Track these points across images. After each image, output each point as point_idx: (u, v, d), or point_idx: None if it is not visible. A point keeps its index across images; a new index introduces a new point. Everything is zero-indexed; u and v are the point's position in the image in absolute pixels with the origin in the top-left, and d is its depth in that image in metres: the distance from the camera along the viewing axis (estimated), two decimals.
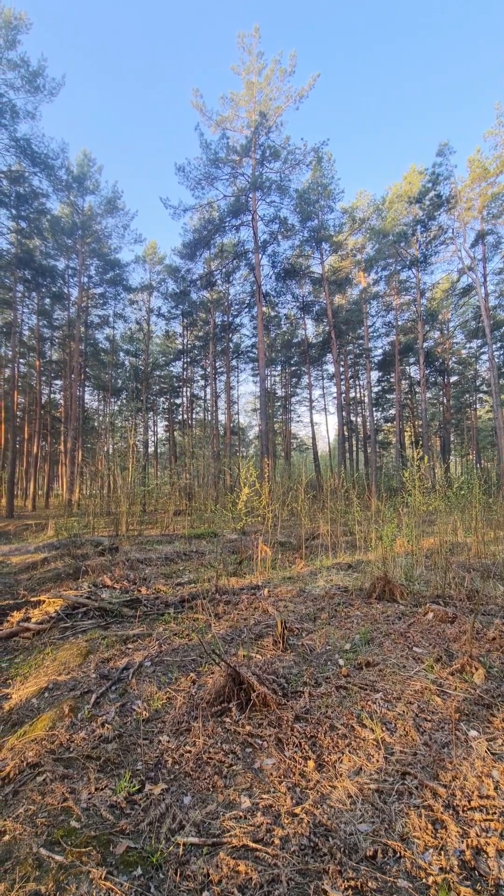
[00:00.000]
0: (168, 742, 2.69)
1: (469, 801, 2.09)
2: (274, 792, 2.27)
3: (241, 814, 2.12)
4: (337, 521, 11.82)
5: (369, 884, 1.70)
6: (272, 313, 33.62)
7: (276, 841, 1.94)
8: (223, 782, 2.35)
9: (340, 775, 2.36)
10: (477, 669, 3.21)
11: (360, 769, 2.39)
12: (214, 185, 23.24)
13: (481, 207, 23.30)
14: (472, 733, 2.59)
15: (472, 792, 2.15)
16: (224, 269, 29.76)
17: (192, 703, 3.08)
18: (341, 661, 3.68)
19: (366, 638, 4.17)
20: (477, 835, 1.91)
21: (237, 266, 29.18)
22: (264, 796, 2.24)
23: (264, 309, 29.09)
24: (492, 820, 1.98)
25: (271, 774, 2.40)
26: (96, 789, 2.29)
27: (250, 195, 23.13)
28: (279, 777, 2.37)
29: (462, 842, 1.88)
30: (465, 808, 2.06)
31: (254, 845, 1.92)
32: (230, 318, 32.69)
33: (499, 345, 31.42)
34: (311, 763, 2.45)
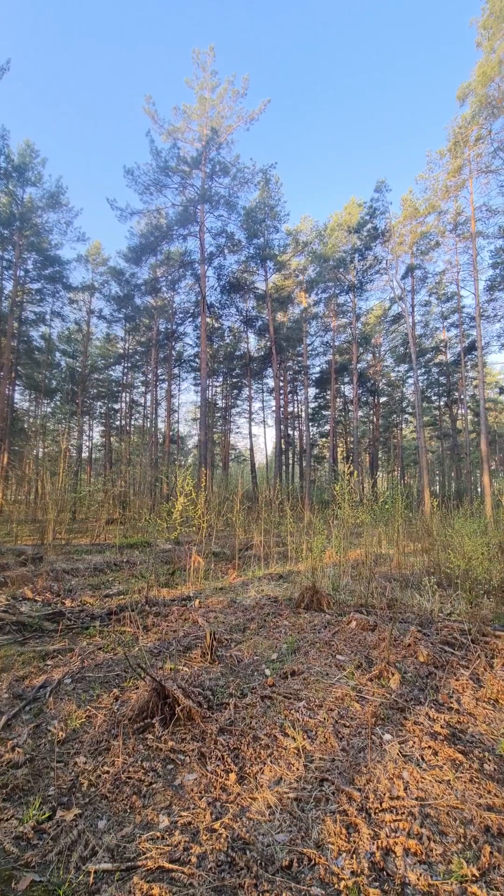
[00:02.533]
0: (85, 763, 2.54)
1: (381, 803, 2.18)
2: (194, 808, 2.22)
3: (158, 834, 2.05)
4: (271, 532, 11.97)
5: (284, 895, 1.70)
6: (216, 325, 33.81)
7: (193, 859, 1.89)
8: (142, 802, 2.26)
9: (261, 786, 2.36)
10: (393, 675, 3.38)
11: (281, 779, 2.41)
12: (163, 193, 23.13)
13: (412, 243, 25.22)
14: (387, 737, 2.70)
15: (384, 794, 2.24)
16: (169, 277, 29.49)
17: (113, 721, 2.94)
18: (268, 671, 3.71)
19: (292, 647, 4.23)
20: (387, 836, 1.98)
21: (183, 275, 29.08)
22: (183, 813, 2.18)
23: (208, 320, 29.18)
24: (401, 820, 2.07)
25: (192, 790, 2.34)
26: (0, 821, 2.10)
27: (199, 207, 23.28)
28: (200, 792, 2.32)
29: (373, 843, 1.94)
30: (377, 811, 2.14)
31: (170, 866, 1.85)
32: (174, 326, 32.38)
33: (423, 370, 33.95)
34: (232, 776, 2.43)
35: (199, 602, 6.13)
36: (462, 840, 1.96)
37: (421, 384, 33.85)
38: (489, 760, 2.48)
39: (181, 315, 32.40)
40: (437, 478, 39.87)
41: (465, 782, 2.31)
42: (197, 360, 34.01)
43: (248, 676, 3.67)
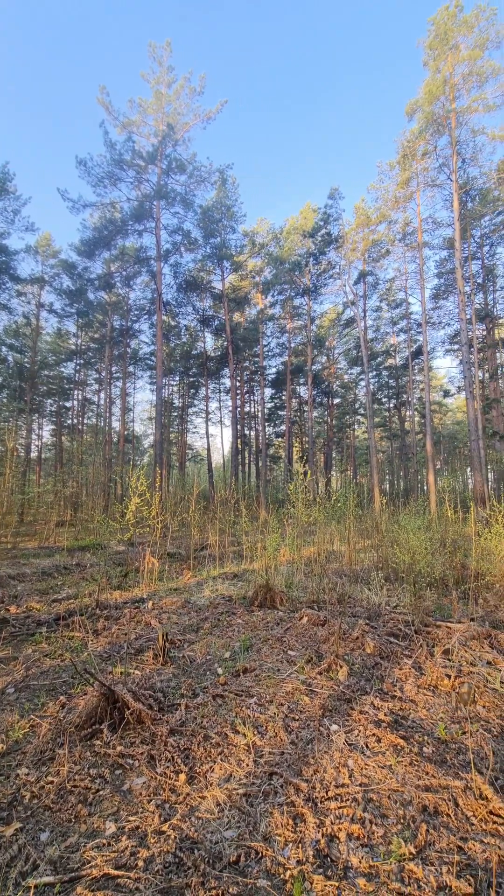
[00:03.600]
0: (27, 775, 2.44)
1: (327, 792, 2.24)
2: (142, 812, 2.19)
3: (104, 841, 2.00)
4: (226, 531, 11.97)
5: (231, 890, 1.72)
6: (172, 323, 33.37)
7: (140, 863, 1.87)
8: (87, 810, 2.20)
9: (211, 784, 2.36)
10: (341, 667, 3.48)
11: (231, 776, 2.42)
12: (118, 187, 22.52)
13: (364, 250, 26.06)
14: (334, 727, 2.79)
15: (330, 783, 2.31)
16: (124, 273, 28.76)
17: (59, 729, 2.84)
18: (220, 670, 3.71)
19: (246, 645, 4.26)
20: (332, 823, 2.05)
21: (138, 271, 28.45)
22: (131, 818, 2.14)
23: (164, 318, 28.76)
24: (345, 806, 2.14)
25: (140, 794, 2.31)
26: None
27: (154, 203, 22.88)
28: (149, 795, 2.29)
29: (318, 831, 2.00)
30: (323, 799, 2.20)
31: (115, 872, 1.82)
32: (129, 323, 31.62)
33: (374, 373, 35.18)
34: (182, 776, 2.42)
35: (153, 604, 6.03)
36: (402, 821, 2.05)
37: (372, 386, 35.07)
38: (428, 744, 2.62)
39: (136, 312, 31.71)
40: (388, 476, 41.45)
41: (405, 766, 2.42)
42: (153, 358, 33.42)
43: (201, 676, 3.66)
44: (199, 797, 2.27)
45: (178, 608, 5.84)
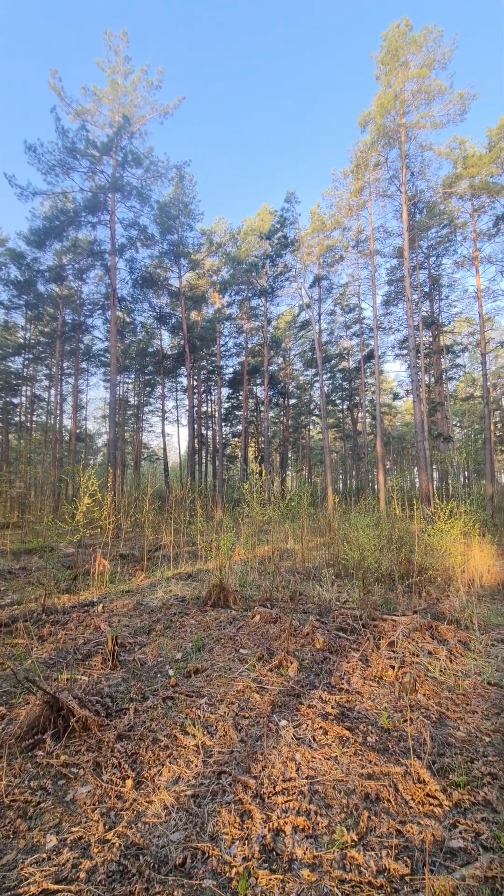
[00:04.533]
0: None
1: (274, 787, 2.27)
2: (86, 822, 2.12)
3: (44, 856, 1.92)
4: (181, 531, 11.84)
5: (176, 893, 1.70)
6: (128, 319, 32.52)
7: (82, 875, 1.81)
8: (27, 825, 2.11)
9: (159, 788, 2.33)
10: (291, 663, 3.54)
11: (179, 778, 2.40)
12: (70, 176, 21.64)
13: (319, 255, 26.62)
14: (283, 723, 2.83)
15: (278, 778, 2.34)
16: (77, 266, 27.70)
17: None
18: (171, 672, 3.67)
19: (198, 645, 4.24)
20: (278, 817, 2.08)
21: (92, 264, 27.49)
22: (74, 829, 2.08)
23: (119, 313, 28.02)
24: (292, 800, 2.18)
25: (85, 803, 2.24)
26: None
27: (109, 195, 22.22)
28: (93, 804, 2.23)
29: (265, 827, 2.02)
30: (271, 794, 2.23)
31: (55, 887, 1.75)
32: (82, 318, 30.49)
33: (328, 375, 36.03)
34: (129, 782, 2.37)
35: (103, 607, 5.86)
36: (345, 810, 2.12)
37: (326, 388, 35.89)
38: (372, 733, 2.72)
39: (90, 306, 30.63)
40: (341, 476, 42.56)
41: (350, 756, 2.50)
42: (107, 354, 32.43)
43: (151, 679, 3.60)
44: (147, 802, 2.23)
45: (130, 610, 5.71)
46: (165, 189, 25.63)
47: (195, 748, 2.63)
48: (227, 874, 1.80)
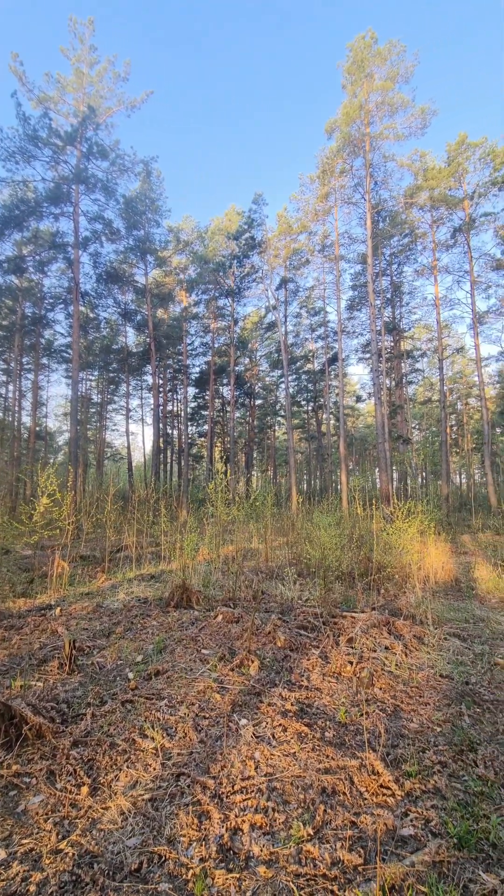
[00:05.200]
0: None
1: (233, 786, 2.27)
2: (37, 833, 2.05)
3: None
4: (144, 532, 11.66)
5: None
6: (91, 315, 31.65)
7: (32, 888, 1.75)
8: None
9: (116, 794, 2.28)
10: (253, 662, 3.56)
11: (137, 782, 2.36)
12: (32, 164, 20.84)
13: (285, 258, 26.90)
14: (243, 721, 2.84)
15: (237, 777, 2.35)
16: (38, 257, 26.74)
17: None
18: (131, 675, 3.60)
19: (159, 647, 4.18)
20: (236, 816, 2.08)
21: (54, 257, 26.60)
22: (25, 841, 2.00)
23: (82, 308, 27.20)
24: (250, 798, 2.19)
25: (37, 813, 2.16)
26: None
27: (73, 186, 21.57)
28: (46, 814, 2.16)
29: (223, 826, 2.02)
30: (229, 794, 2.23)
31: None
32: (43, 312, 29.45)
33: (294, 377, 36.46)
34: (84, 789, 2.31)
35: (61, 610, 5.68)
36: (302, 805, 2.15)
37: (291, 389, 36.30)
38: (330, 728, 2.77)
39: (51, 300, 29.63)
40: (305, 476, 43.16)
41: (308, 752, 2.54)
42: (69, 350, 31.44)
43: (111, 682, 3.52)
44: (102, 808, 2.19)
45: (90, 613, 5.57)
46: (132, 184, 25.17)
47: (154, 751, 2.59)
48: (184, 876, 1.79)
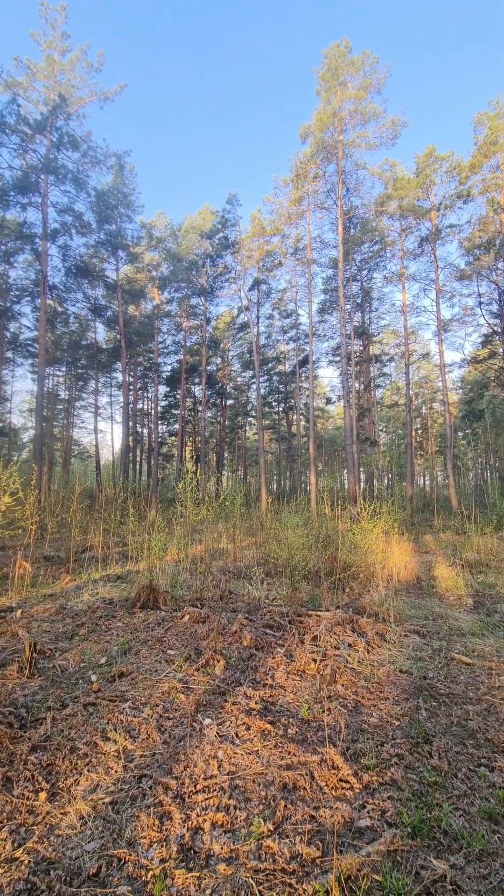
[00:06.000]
0: None
1: (195, 786, 2.28)
2: None
3: None
4: (112, 531, 11.45)
5: None
6: (60, 309, 30.75)
7: None
8: None
9: (75, 798, 2.24)
10: (218, 662, 3.57)
11: (98, 785, 2.33)
12: None
13: (258, 259, 27.02)
14: (207, 721, 2.85)
15: (200, 776, 2.35)
16: (3, 247, 25.75)
17: None
18: (94, 677, 3.54)
19: (124, 648, 4.13)
20: (197, 815, 2.09)
21: (21, 248, 25.68)
22: None
23: (50, 302, 26.42)
24: (212, 797, 2.20)
25: None
26: None
27: (42, 176, 20.92)
28: (1, 822, 2.10)
29: (184, 826, 2.02)
30: (191, 793, 2.23)
31: None
32: (8, 304, 28.37)
33: (265, 378, 36.66)
34: (42, 795, 2.26)
35: (22, 612, 5.51)
36: (263, 801, 2.18)
37: (263, 390, 36.46)
38: (292, 725, 2.82)
39: (17, 292, 28.57)
40: (275, 477, 43.44)
41: (271, 749, 2.57)
42: (35, 344, 30.41)
43: (72, 686, 3.45)
44: (61, 814, 2.15)
45: (52, 615, 5.43)
46: (104, 177, 24.68)
47: (116, 754, 2.56)
48: (144, 878, 1.78)
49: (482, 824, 2.03)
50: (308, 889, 1.68)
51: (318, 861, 1.82)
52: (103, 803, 2.20)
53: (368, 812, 2.10)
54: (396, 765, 2.43)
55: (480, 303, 23.34)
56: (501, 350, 21.52)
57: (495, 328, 22.24)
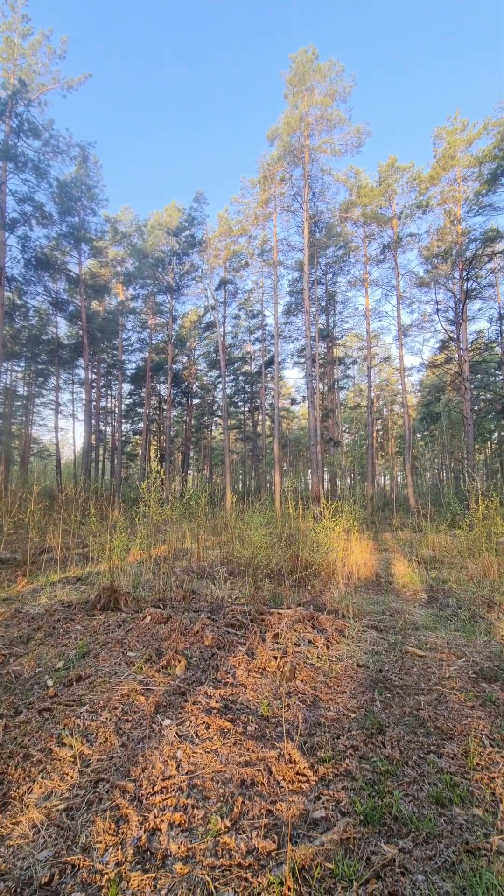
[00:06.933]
0: None
1: (154, 787, 2.27)
2: None
3: None
4: (72, 532, 11.13)
5: None
6: (18, 301, 29.53)
7: None
8: None
9: (28, 807, 2.18)
10: (180, 662, 3.55)
11: (52, 792, 2.28)
12: None
13: (225, 258, 27.01)
14: (166, 722, 2.83)
15: (158, 777, 2.34)
16: None
17: None
18: (50, 682, 3.45)
19: (82, 651, 4.04)
20: (155, 816, 2.08)
21: None
22: None
23: (9, 294, 25.33)
24: (170, 797, 2.20)
25: None
26: None
27: (0, 164, 20.06)
28: None
29: (140, 828, 2.01)
30: (149, 795, 2.22)
31: None
32: None
33: (231, 377, 36.69)
34: None
35: None
36: (221, 799, 2.19)
37: (229, 390, 36.47)
38: (252, 722, 2.85)
39: None
40: (241, 476, 43.52)
41: (230, 747, 2.59)
42: None
43: (27, 691, 3.34)
44: (13, 824, 2.08)
45: (7, 619, 5.22)
46: (67, 167, 23.96)
47: (72, 759, 2.51)
48: (98, 883, 1.76)
49: (430, 808, 2.13)
50: (263, 881, 1.71)
51: (273, 854, 1.86)
52: (57, 810, 2.15)
53: (323, 803, 2.15)
54: (351, 756, 2.51)
55: (438, 310, 24.26)
56: (457, 356, 22.47)
57: (451, 335, 23.19)
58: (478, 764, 2.45)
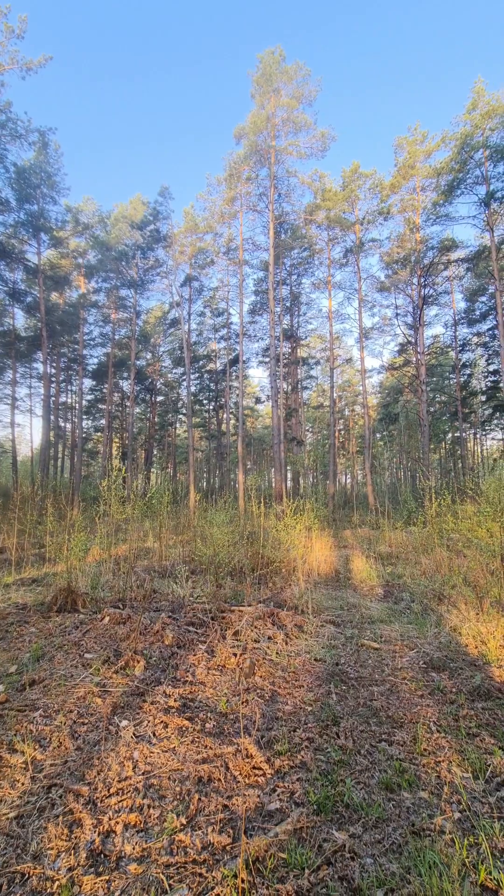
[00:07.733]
0: None
1: (109, 789, 2.24)
2: None
3: None
4: (28, 532, 10.73)
5: None
6: None
7: None
8: None
9: None
10: (139, 662, 3.52)
11: (1, 800, 2.21)
12: None
13: (191, 255, 26.77)
14: (123, 723, 2.80)
15: (113, 779, 2.31)
16: None
17: None
18: (1, 687, 3.32)
19: (37, 655, 3.91)
20: (110, 818, 2.05)
21: None
22: None
23: None
24: (126, 799, 2.18)
25: None
26: None
27: None
28: None
29: (94, 831, 1.98)
30: (104, 797, 2.19)
31: None
32: None
33: (196, 375, 36.43)
34: None
35: None
36: (178, 797, 2.20)
37: (193, 388, 36.20)
38: (210, 720, 2.86)
39: None
40: (205, 474, 43.31)
41: (187, 745, 2.60)
42: None
43: None
44: None
45: None
46: (26, 153, 22.98)
47: (23, 765, 2.44)
48: (49, 890, 1.72)
49: (380, 794, 2.22)
50: (217, 876, 1.74)
51: (228, 848, 1.88)
52: (7, 819, 2.08)
53: (278, 795, 2.20)
54: (307, 748, 2.57)
55: (397, 314, 25.06)
56: (414, 359, 23.29)
57: (409, 338, 24.02)
58: (425, 749, 2.58)
